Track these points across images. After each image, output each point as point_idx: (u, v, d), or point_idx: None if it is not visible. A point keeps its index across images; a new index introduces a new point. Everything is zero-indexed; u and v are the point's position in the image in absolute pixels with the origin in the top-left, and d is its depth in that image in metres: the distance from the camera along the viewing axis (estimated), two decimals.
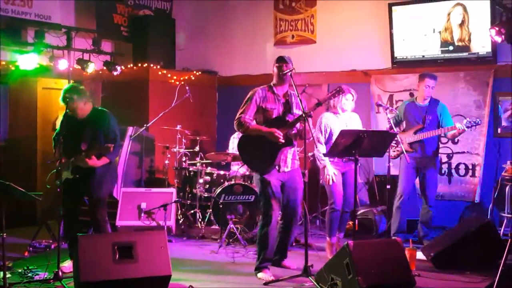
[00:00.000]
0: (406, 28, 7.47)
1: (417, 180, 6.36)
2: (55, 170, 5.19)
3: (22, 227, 6.95)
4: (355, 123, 5.78)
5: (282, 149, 5.02)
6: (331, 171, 5.60)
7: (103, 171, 5.14)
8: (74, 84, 5.23)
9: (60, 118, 5.34)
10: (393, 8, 7.48)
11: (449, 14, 7.19)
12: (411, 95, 7.45)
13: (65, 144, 4.96)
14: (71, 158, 5.06)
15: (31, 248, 6.00)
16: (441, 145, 6.39)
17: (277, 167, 5.07)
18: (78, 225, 5.38)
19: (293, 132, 5.04)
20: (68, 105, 5.08)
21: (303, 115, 4.82)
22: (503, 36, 5.98)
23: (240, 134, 5.32)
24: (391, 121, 6.01)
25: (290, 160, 5.15)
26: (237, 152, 5.47)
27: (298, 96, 4.98)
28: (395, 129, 5.98)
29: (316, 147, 5.61)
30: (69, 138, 5.01)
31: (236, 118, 5.11)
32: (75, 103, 5.11)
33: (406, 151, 6.05)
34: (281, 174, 5.10)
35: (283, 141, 4.93)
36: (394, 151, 6.21)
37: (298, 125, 4.99)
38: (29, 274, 4.96)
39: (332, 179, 5.58)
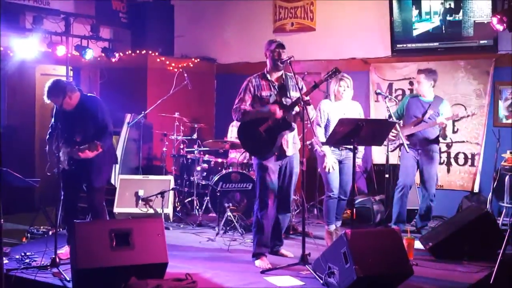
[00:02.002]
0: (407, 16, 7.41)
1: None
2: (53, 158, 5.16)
3: (20, 213, 6.95)
4: (355, 111, 5.74)
5: (282, 133, 5.00)
6: (331, 160, 5.58)
7: (100, 159, 5.11)
8: (54, 84, 5.07)
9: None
10: (393, 0, 7.43)
11: (448, 4, 7.13)
12: (411, 83, 7.43)
13: (60, 134, 4.92)
14: (66, 148, 5.03)
15: (28, 234, 5.99)
16: None
17: (277, 152, 5.06)
18: (78, 212, 5.37)
19: (292, 114, 5.01)
20: (55, 104, 5.09)
21: (300, 98, 4.77)
22: (504, 25, 5.94)
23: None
24: (392, 115, 5.95)
25: (291, 143, 5.13)
26: (235, 140, 5.45)
27: (294, 76, 4.95)
28: (394, 119, 5.94)
29: (315, 135, 5.59)
30: (63, 129, 4.97)
31: (234, 108, 5.10)
32: (60, 102, 5.02)
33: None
34: (281, 159, 5.09)
35: (281, 114, 4.89)
36: (392, 144, 6.14)
37: (296, 107, 4.95)
38: (26, 260, 4.96)
39: (332, 168, 5.57)
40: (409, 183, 6.16)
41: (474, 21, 6.94)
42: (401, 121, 6.21)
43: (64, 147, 5.03)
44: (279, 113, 4.90)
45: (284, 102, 5.02)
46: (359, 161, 5.82)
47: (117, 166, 7.27)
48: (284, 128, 4.99)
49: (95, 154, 4.97)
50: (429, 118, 6.06)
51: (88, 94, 5.40)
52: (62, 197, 5.17)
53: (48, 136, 5.30)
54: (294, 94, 5.05)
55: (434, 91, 6.24)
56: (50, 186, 5.78)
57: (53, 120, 5.30)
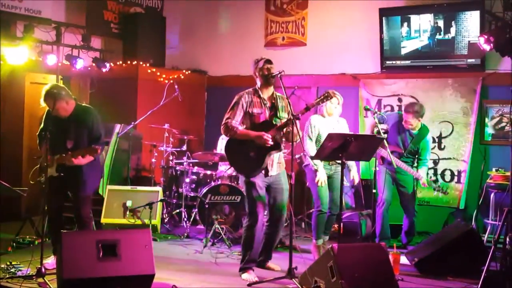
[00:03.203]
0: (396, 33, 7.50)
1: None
2: (38, 166, 5.15)
3: (6, 222, 6.88)
4: (342, 128, 5.80)
5: (269, 153, 5.02)
6: (323, 175, 5.61)
7: (89, 169, 5.11)
8: (53, 86, 5.12)
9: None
10: (383, 18, 7.52)
11: (435, 23, 7.22)
12: (400, 100, 7.50)
13: (50, 141, 4.90)
14: (56, 155, 5.02)
15: (14, 244, 5.94)
16: None
17: (263, 171, 5.07)
18: (62, 222, 5.34)
19: (281, 134, 5.04)
20: (50, 107, 5.08)
21: (292, 118, 4.79)
22: (491, 45, 6.03)
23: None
24: (380, 131, 5.98)
25: (276, 164, 5.15)
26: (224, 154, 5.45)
27: (286, 97, 4.98)
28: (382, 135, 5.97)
29: (304, 150, 5.61)
30: (54, 136, 4.95)
31: (223, 123, 5.08)
32: (56, 105, 5.03)
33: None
34: (267, 177, 5.10)
35: (271, 143, 4.93)
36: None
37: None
38: (11, 270, 4.91)
39: (324, 182, 5.60)
40: (389, 199, 6.22)
41: (469, 41, 7.01)
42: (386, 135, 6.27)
43: (53, 154, 5.02)
44: (270, 142, 4.91)
45: (274, 122, 5.05)
46: (355, 177, 5.87)
47: (105, 176, 7.26)
48: (273, 148, 5.00)
49: (87, 161, 4.97)
50: (408, 153, 6.13)
51: (83, 104, 5.41)
52: (46, 206, 5.13)
53: (38, 139, 5.29)
54: (284, 115, 5.09)
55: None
56: (37, 195, 5.75)
57: (42, 126, 5.29)
